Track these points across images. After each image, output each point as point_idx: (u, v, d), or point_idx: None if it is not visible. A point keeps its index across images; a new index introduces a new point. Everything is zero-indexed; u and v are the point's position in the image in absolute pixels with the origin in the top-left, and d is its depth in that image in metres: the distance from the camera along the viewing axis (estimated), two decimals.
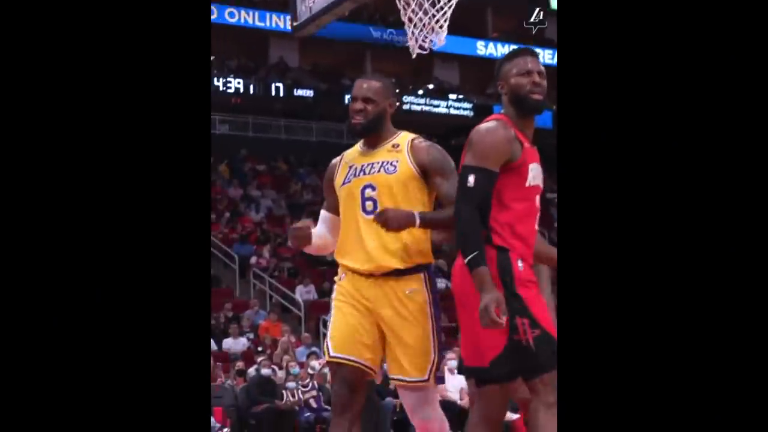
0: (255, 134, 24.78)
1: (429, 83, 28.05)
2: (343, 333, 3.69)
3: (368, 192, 3.74)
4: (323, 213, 3.97)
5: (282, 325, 15.80)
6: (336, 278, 3.85)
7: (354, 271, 3.74)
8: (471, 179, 3.21)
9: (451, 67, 28.15)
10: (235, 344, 15.00)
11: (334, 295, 3.83)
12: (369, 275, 3.71)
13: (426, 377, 3.66)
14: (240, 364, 13.26)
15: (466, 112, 26.63)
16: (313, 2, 5.40)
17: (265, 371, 12.10)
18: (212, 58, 25.62)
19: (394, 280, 3.68)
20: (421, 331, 3.66)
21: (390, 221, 3.54)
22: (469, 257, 3.15)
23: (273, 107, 25.04)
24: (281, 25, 25.67)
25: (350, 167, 3.82)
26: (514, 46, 5.26)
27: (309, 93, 25.87)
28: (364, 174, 3.77)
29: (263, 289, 17.95)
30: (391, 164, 3.74)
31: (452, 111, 26.69)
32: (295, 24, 5.72)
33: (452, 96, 27.14)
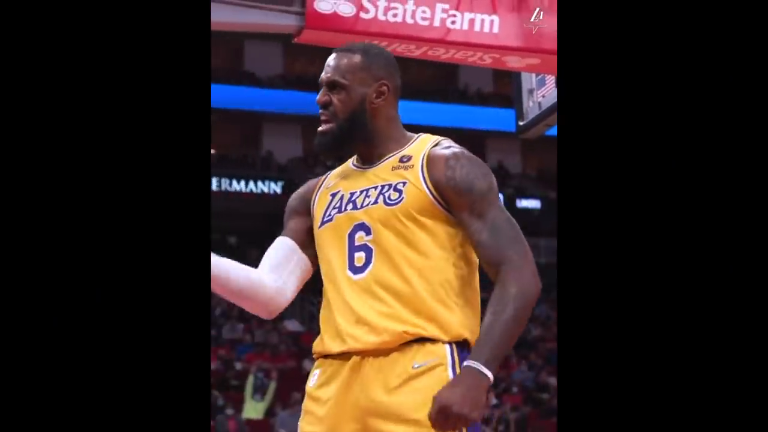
0: None
1: None
2: None
3: (360, 237, 2.38)
4: (278, 239, 2.54)
5: None
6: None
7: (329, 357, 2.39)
8: None
9: None
10: None
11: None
12: (346, 356, 2.34)
13: None
14: None
15: None
16: (543, 96, 4.76)
17: None
18: None
19: (395, 353, 2.31)
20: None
21: (451, 417, 2.15)
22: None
23: None
24: (497, 122, 23.72)
25: (333, 195, 2.46)
26: None
27: (536, 204, 23.72)
28: (355, 208, 2.41)
29: None
30: (394, 189, 2.38)
31: None
32: (521, 123, 5.06)
33: None
